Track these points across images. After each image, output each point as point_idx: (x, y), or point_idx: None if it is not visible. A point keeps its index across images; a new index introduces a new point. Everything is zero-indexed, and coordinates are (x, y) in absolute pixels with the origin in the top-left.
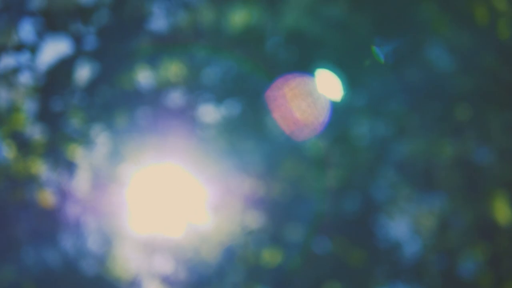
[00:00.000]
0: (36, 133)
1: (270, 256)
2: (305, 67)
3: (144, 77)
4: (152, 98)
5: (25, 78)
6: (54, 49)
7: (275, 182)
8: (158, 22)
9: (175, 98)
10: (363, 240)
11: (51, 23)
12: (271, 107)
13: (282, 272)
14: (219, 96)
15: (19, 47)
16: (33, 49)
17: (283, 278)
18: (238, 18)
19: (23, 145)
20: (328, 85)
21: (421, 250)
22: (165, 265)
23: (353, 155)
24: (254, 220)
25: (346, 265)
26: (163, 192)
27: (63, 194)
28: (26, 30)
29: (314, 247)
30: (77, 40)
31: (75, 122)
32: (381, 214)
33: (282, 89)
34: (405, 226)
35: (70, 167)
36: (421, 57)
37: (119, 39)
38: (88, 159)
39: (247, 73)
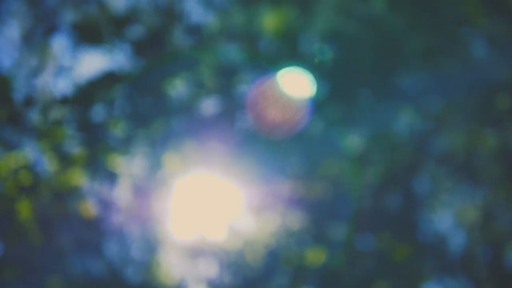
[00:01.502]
0: (76, 145)
1: (314, 256)
2: (340, 65)
3: (180, 84)
4: (189, 105)
5: (63, 92)
6: (91, 61)
7: (315, 182)
8: (191, 27)
9: (212, 103)
10: (407, 235)
11: (87, 36)
12: (250, 106)
13: (327, 271)
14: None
15: (56, 61)
16: (70, 62)
17: (328, 277)
18: (270, 20)
19: (64, 158)
20: (300, 84)
21: (466, 243)
22: (210, 269)
23: (392, 151)
24: (296, 220)
25: (391, 261)
26: (204, 197)
27: (105, 204)
28: (62, 44)
29: (358, 244)
30: (113, 51)
31: (114, 132)
32: (424, 208)
33: (260, 88)
34: (448, 219)
35: (111, 177)
36: (459, 49)
37: (153, 48)
38: (128, 168)
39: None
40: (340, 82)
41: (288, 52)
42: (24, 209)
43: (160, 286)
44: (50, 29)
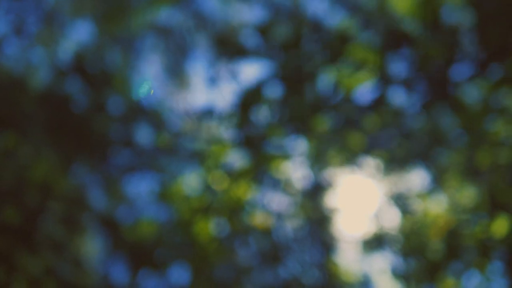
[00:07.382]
0: (240, 159)
1: (498, 228)
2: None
3: (329, 78)
4: (343, 97)
5: (218, 109)
6: (239, 74)
7: (485, 150)
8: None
9: (366, 90)
10: None
11: (229, 51)
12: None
13: None
14: (407, 80)
15: (203, 83)
16: (218, 80)
17: None
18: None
19: (231, 174)
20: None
21: None
22: (390, 259)
23: None
24: (474, 193)
25: None
26: (372, 186)
27: (277, 212)
28: (205, 65)
29: None
30: (259, 60)
31: (274, 139)
32: None
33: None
34: None
35: (278, 184)
36: None
37: (299, 50)
38: (293, 171)
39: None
40: (495, 40)
41: (430, 24)
42: (203, 230)
43: (344, 284)
44: (188, 55)
